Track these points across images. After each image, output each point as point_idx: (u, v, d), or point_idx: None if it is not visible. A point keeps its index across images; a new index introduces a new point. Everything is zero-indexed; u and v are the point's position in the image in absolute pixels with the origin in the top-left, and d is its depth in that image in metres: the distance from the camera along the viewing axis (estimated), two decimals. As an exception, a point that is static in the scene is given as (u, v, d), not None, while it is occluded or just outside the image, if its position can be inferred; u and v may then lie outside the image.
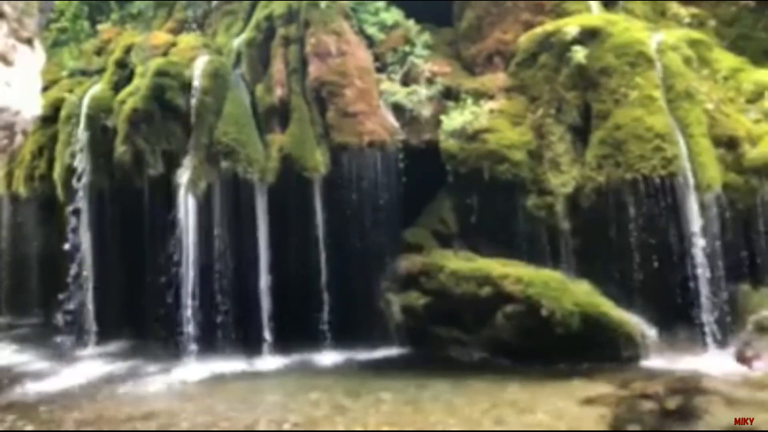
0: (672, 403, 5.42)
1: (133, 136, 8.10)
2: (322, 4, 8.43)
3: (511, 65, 8.19)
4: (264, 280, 7.91)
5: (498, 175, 7.70)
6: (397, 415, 5.62)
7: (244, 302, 7.88)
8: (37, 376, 7.54)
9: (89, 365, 7.88)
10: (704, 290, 6.83)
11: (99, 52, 9.91)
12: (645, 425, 5.11)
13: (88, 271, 8.49)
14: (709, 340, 6.79)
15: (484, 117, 7.88)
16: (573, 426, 5.17)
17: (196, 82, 8.08)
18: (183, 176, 7.96)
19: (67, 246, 8.44)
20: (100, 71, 9.32)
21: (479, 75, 8.60)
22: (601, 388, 5.96)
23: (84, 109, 8.51)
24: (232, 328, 7.78)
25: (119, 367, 7.78)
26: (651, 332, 6.94)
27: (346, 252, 7.85)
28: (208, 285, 7.78)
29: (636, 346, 6.87)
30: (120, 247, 8.53)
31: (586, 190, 7.34)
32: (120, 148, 8.19)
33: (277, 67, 8.36)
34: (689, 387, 5.80)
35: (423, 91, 8.29)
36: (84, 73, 9.62)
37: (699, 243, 6.88)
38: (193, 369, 7.38)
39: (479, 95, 8.19)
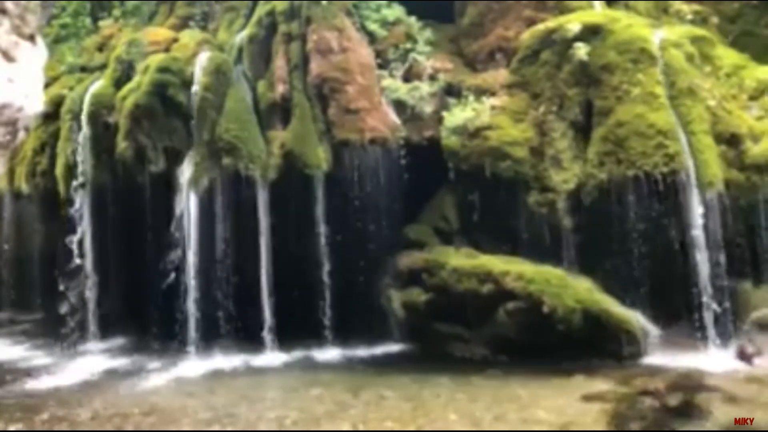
0: (673, 400, 5.42)
1: (134, 133, 8.10)
2: (324, 2, 8.42)
3: (513, 62, 8.18)
4: (265, 277, 7.92)
5: (500, 172, 7.69)
6: (398, 412, 5.63)
7: (245, 298, 7.89)
8: (39, 371, 7.55)
9: (91, 361, 7.90)
10: (705, 287, 6.83)
11: (100, 48, 9.90)
12: (646, 422, 5.11)
13: (89, 267, 8.50)
14: (710, 337, 6.79)
15: (485, 114, 7.88)
16: (574, 422, 5.17)
17: (198, 79, 8.08)
18: (185, 173, 7.97)
19: (68, 242, 8.45)
20: (102, 67, 9.32)
21: (481, 72, 8.59)
22: (602, 384, 5.97)
23: (85, 106, 8.51)
24: (233, 324, 7.79)
25: (121, 362, 7.80)
26: (652, 329, 6.95)
27: (347, 248, 7.85)
28: (209, 281, 7.80)
29: (637, 343, 6.88)
30: (121, 243, 8.53)
31: (588, 187, 7.34)
32: (121, 145, 8.19)
33: (279, 64, 8.35)
34: (690, 384, 5.80)
35: (425, 87, 8.29)
36: (85, 69, 9.62)
37: (700, 240, 6.88)
38: (195, 365, 7.40)
39: (481, 92, 8.19)
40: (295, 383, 6.69)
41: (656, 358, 6.78)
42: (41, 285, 9.95)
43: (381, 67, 8.50)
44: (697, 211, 6.92)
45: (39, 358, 8.27)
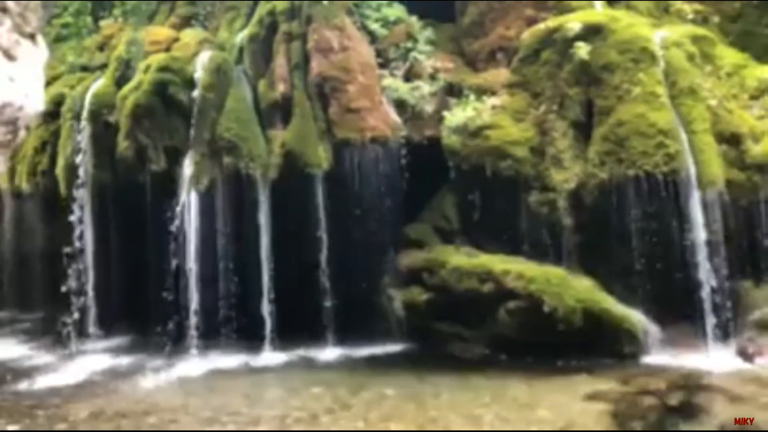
0: (674, 400, 5.43)
1: (135, 132, 8.10)
2: (324, 1, 8.42)
3: (514, 61, 8.16)
4: (266, 275, 7.91)
5: (500, 172, 7.69)
6: (398, 411, 5.63)
7: (246, 297, 7.89)
8: (40, 370, 7.55)
9: (92, 360, 7.90)
10: (706, 286, 6.83)
11: (101, 47, 9.91)
12: (647, 422, 5.11)
13: (90, 266, 8.50)
14: (711, 336, 6.78)
15: (486, 113, 7.87)
16: (575, 422, 5.18)
17: (199, 78, 8.08)
18: (185, 172, 7.97)
19: (69, 241, 8.45)
20: (102, 67, 9.32)
21: (482, 71, 8.59)
22: (602, 384, 5.96)
23: (86, 105, 8.52)
24: (234, 323, 7.79)
25: (122, 361, 7.80)
26: (653, 328, 6.94)
27: (348, 247, 7.85)
28: (210, 280, 7.80)
29: (638, 343, 6.87)
30: (122, 242, 8.54)
31: (589, 187, 7.33)
32: (122, 144, 8.20)
33: (280, 63, 8.35)
34: (691, 383, 5.80)
35: (425, 86, 8.29)
36: (86, 68, 9.62)
37: (701, 240, 6.87)
38: (196, 364, 7.39)
39: (482, 91, 8.19)
40: (295, 382, 6.69)
41: (657, 357, 6.77)
42: (42, 284, 9.96)
43: (382, 66, 8.49)
44: (697, 211, 6.91)
45: (39, 357, 8.26)
